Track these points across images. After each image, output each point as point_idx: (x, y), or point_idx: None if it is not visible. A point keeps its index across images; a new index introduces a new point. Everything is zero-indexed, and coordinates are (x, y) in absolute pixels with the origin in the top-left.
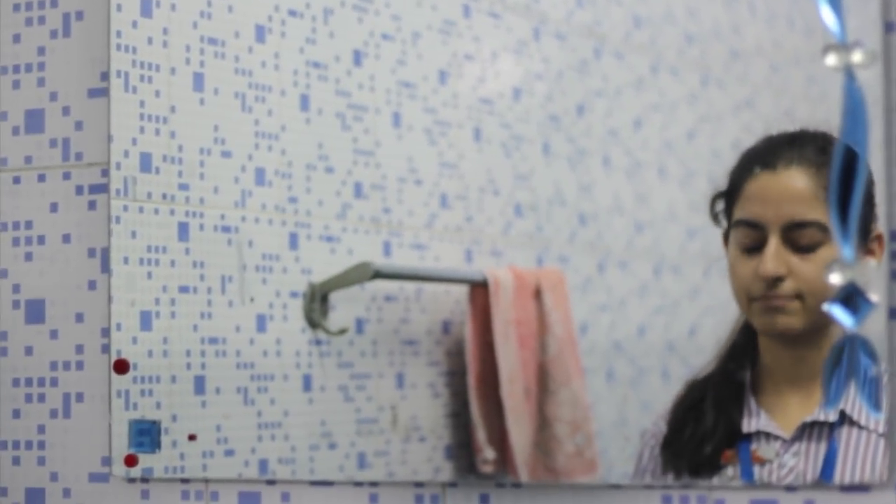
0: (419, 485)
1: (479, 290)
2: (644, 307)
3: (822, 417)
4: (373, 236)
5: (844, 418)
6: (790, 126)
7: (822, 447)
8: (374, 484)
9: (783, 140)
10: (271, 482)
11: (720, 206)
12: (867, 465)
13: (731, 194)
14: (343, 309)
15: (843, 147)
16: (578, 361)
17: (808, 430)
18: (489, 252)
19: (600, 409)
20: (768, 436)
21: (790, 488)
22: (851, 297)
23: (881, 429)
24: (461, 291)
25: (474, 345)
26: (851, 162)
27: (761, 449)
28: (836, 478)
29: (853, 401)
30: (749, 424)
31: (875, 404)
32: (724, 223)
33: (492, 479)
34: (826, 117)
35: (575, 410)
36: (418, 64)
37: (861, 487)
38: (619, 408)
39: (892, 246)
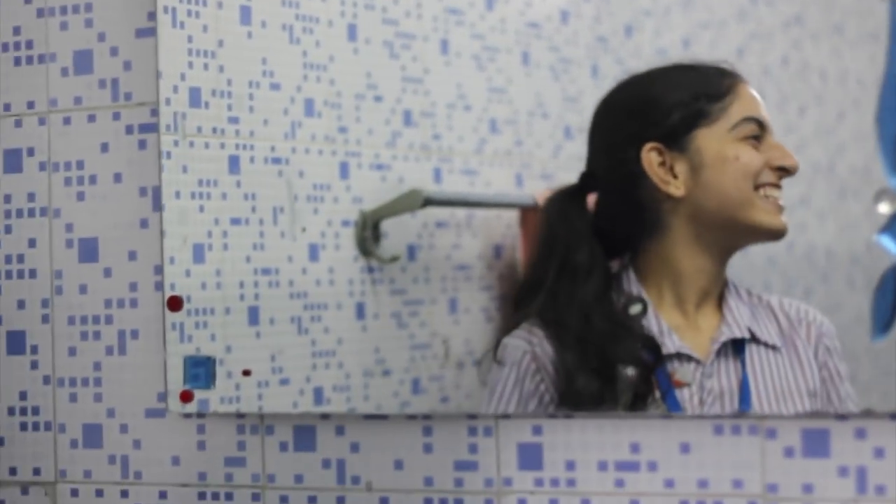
0: (472, 416)
1: (531, 214)
2: None
3: (737, 334)
4: (423, 163)
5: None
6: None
7: (736, 368)
8: (427, 417)
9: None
10: (325, 416)
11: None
12: (780, 384)
13: (722, 96)
14: (395, 236)
15: (892, 74)
16: None
17: (723, 350)
18: (539, 175)
19: None
20: (682, 357)
21: (841, 417)
22: None
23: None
24: (512, 216)
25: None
26: None
27: (679, 372)
28: (753, 399)
29: (758, 319)
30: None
31: None
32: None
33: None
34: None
35: None
36: None
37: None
38: None
39: None
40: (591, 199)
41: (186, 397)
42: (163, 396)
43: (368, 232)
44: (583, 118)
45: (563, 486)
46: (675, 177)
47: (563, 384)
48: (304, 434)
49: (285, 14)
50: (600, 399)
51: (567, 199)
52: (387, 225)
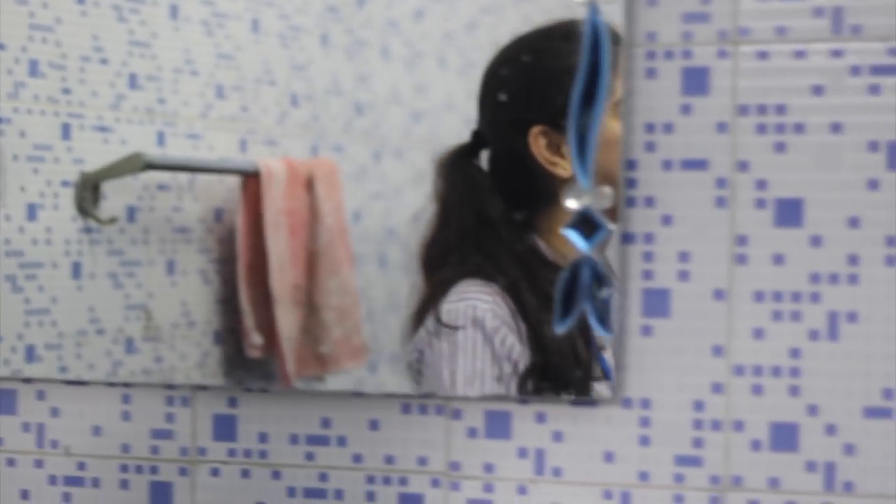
0: (171, 387)
1: (252, 180)
2: (419, 195)
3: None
4: (147, 126)
5: None
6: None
7: None
8: (126, 385)
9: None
10: (27, 380)
11: None
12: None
13: None
14: (115, 198)
15: (583, 74)
16: (349, 250)
17: None
18: (264, 142)
19: (373, 294)
20: None
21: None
22: (586, 222)
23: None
24: (235, 181)
25: (245, 233)
26: (592, 89)
27: None
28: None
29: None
30: None
31: (605, 325)
32: None
33: (261, 364)
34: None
35: (344, 298)
36: None
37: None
38: (391, 292)
39: (626, 174)
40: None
41: None
42: None
43: (88, 193)
44: (310, 86)
45: (256, 457)
46: (562, 157)
47: (533, 334)
48: (4, 397)
49: None
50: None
51: (463, 157)
52: (108, 187)
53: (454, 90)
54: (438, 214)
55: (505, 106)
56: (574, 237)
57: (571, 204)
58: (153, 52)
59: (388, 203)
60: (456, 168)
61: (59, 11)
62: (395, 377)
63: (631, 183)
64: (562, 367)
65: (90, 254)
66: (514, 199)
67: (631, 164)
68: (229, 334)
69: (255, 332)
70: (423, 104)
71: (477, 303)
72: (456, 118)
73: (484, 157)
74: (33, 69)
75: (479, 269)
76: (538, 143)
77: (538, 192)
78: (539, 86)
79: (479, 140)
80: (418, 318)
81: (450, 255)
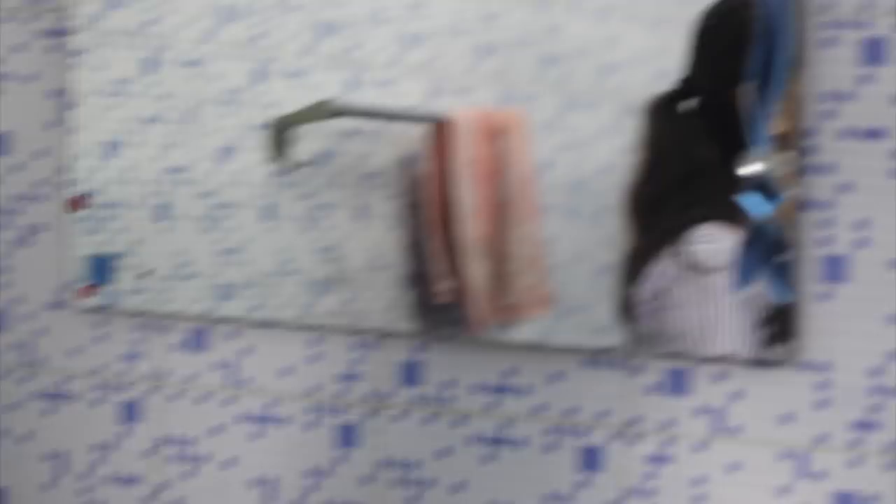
0: (359, 332)
1: (441, 129)
2: (608, 148)
3: None
4: (338, 73)
5: None
6: None
7: None
8: (316, 328)
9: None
10: (220, 320)
11: None
12: None
13: None
14: (307, 142)
15: (767, 39)
16: (536, 200)
17: None
18: (454, 91)
19: (559, 244)
20: None
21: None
22: (764, 187)
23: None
24: (424, 129)
25: (434, 181)
26: (771, 54)
27: None
28: None
29: None
30: None
31: (784, 289)
32: None
33: (448, 310)
34: None
35: (530, 247)
36: None
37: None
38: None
39: (803, 142)
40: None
41: (88, 292)
42: (66, 289)
43: (280, 137)
44: (500, 36)
45: (440, 403)
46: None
47: None
48: (198, 335)
49: None
50: None
51: (671, 103)
52: (300, 131)
53: (644, 43)
54: (647, 160)
55: (717, 58)
56: (752, 202)
57: (750, 170)
58: (345, 1)
59: (577, 154)
60: (667, 113)
61: None
62: (580, 327)
63: (808, 150)
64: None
65: (282, 196)
66: (723, 150)
67: (808, 132)
68: (417, 279)
69: (444, 277)
70: (613, 56)
71: (719, 245)
72: (646, 71)
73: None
74: (227, 14)
75: (720, 212)
76: (746, 99)
77: (744, 146)
78: (747, 44)
79: (687, 87)
80: (634, 264)
81: (667, 199)
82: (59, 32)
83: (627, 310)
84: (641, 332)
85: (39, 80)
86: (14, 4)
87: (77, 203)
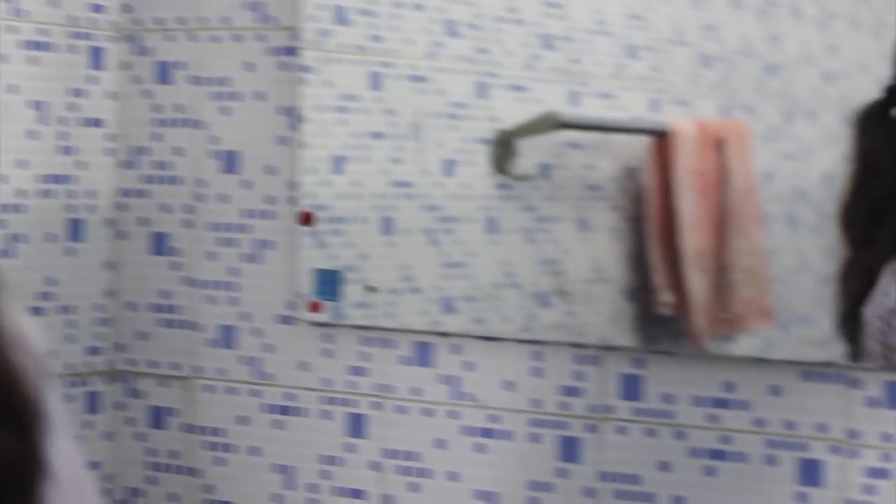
0: (580, 346)
1: (663, 140)
2: (831, 156)
3: None
4: (560, 86)
5: None
6: None
7: None
8: (538, 342)
9: None
10: (443, 334)
11: None
12: None
13: None
14: (529, 155)
15: None
16: (758, 210)
17: None
18: (675, 102)
19: (781, 255)
20: None
21: None
22: None
23: None
24: (646, 140)
25: (656, 193)
26: None
27: None
28: None
29: None
30: None
31: None
32: None
33: (669, 322)
34: None
35: (752, 258)
36: None
37: None
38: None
39: None
40: None
41: (315, 307)
42: (293, 305)
43: (503, 150)
44: (721, 47)
45: (661, 417)
46: None
47: None
48: (423, 350)
49: None
50: None
51: (880, 113)
52: (522, 144)
53: (867, 51)
54: (858, 173)
55: None
56: None
57: None
58: (566, 13)
59: (799, 164)
60: (877, 123)
61: None
62: (800, 339)
63: None
64: None
65: (505, 209)
66: None
67: None
68: (640, 291)
69: (666, 290)
70: (835, 65)
71: None
72: (868, 79)
73: None
74: (450, 29)
75: None
76: None
77: None
78: None
79: (893, 96)
80: (853, 279)
81: (883, 212)
82: (288, 50)
83: (849, 325)
84: (865, 350)
85: (269, 98)
86: (244, 24)
87: (306, 218)
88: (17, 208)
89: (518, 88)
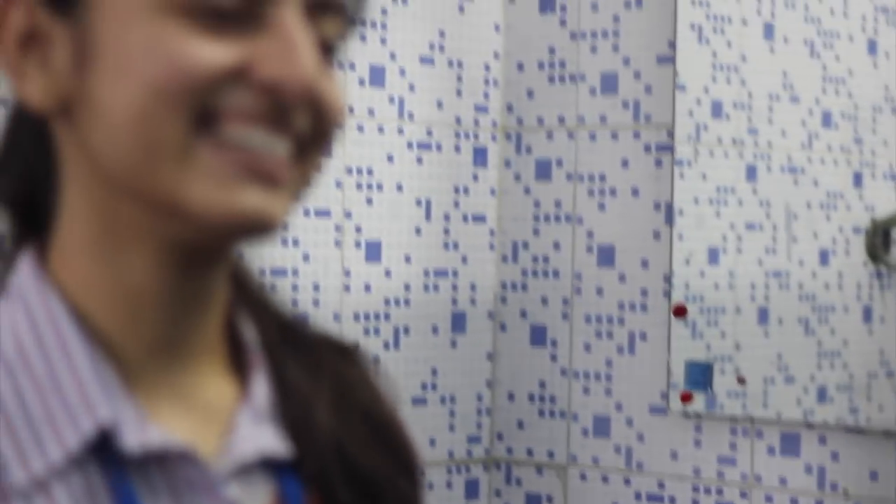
0: None
1: None
2: None
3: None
4: None
5: None
6: None
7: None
8: None
9: None
10: (810, 425)
11: None
12: None
13: None
14: None
15: None
16: None
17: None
18: None
19: None
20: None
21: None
22: None
23: None
24: None
25: None
26: None
27: None
28: None
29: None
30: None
31: None
32: None
33: None
34: None
35: None
36: None
37: None
38: None
39: None
40: None
41: (687, 398)
42: (665, 395)
43: (879, 238)
44: None
45: None
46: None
47: None
48: (789, 440)
49: (807, 30)
50: None
51: None
52: None
53: None
54: None
55: None
56: None
57: None
58: None
59: None
60: None
61: (850, 63)
62: None
63: None
64: None
65: (881, 298)
66: None
67: None
68: None
69: None
70: None
71: None
72: None
73: None
74: (826, 120)
75: None
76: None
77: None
78: None
79: None
80: None
81: None
82: (663, 146)
83: None
84: None
85: (643, 193)
86: (621, 121)
87: (679, 311)
88: (402, 302)
89: (894, 177)
